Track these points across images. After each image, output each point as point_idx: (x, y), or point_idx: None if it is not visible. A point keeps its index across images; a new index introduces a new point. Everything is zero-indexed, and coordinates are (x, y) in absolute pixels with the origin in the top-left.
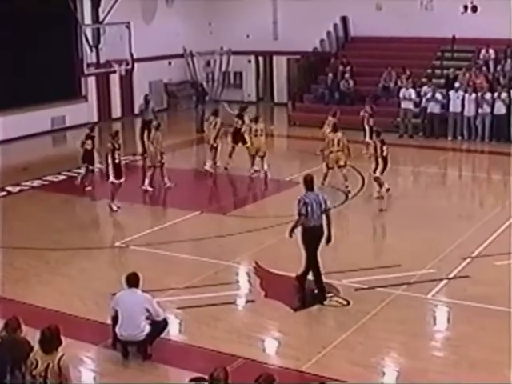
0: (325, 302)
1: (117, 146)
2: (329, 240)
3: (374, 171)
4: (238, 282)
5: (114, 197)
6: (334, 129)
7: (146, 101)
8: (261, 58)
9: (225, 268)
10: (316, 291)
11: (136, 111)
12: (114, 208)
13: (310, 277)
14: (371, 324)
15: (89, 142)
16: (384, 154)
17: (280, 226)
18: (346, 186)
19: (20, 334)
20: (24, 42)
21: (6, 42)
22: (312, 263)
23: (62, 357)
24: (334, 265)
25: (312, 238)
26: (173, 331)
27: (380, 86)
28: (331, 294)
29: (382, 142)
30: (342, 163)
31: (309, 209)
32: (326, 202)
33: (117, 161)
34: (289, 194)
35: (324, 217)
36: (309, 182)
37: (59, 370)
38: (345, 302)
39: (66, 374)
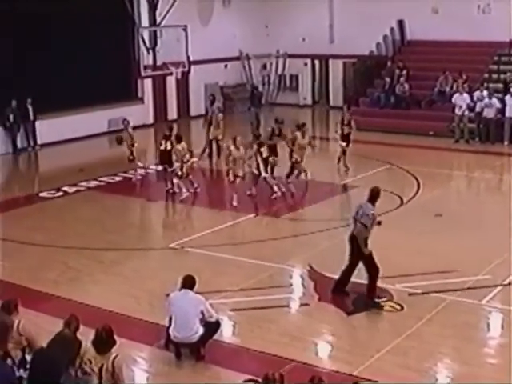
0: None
1: (168, 133)
2: None
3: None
4: (291, 285)
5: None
6: (178, 140)
7: (212, 101)
8: (317, 62)
9: (279, 271)
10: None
11: (192, 113)
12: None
13: (364, 280)
14: (425, 329)
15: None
16: (263, 155)
17: (334, 229)
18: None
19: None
20: (82, 43)
21: (65, 43)
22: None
23: (115, 357)
24: (388, 269)
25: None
26: (226, 333)
27: (436, 90)
28: (385, 299)
29: (259, 145)
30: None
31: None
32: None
33: (162, 147)
34: (343, 198)
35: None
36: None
37: (113, 370)
38: (398, 307)
39: (120, 375)
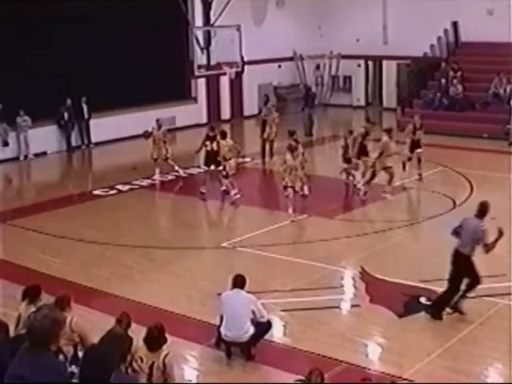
0: (430, 310)
1: (211, 134)
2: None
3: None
4: (343, 286)
5: (204, 182)
6: (223, 136)
7: (265, 101)
8: (370, 63)
9: (330, 272)
10: (430, 303)
11: (245, 113)
12: (203, 190)
13: (416, 283)
14: (476, 333)
15: (207, 142)
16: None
17: (389, 231)
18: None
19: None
20: (136, 43)
21: (119, 43)
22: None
23: (166, 355)
24: (441, 273)
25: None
26: (276, 333)
27: (490, 92)
28: None
29: (297, 141)
30: (234, 172)
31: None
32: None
33: (208, 148)
34: (398, 199)
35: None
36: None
37: (164, 367)
38: (451, 311)
39: (170, 373)
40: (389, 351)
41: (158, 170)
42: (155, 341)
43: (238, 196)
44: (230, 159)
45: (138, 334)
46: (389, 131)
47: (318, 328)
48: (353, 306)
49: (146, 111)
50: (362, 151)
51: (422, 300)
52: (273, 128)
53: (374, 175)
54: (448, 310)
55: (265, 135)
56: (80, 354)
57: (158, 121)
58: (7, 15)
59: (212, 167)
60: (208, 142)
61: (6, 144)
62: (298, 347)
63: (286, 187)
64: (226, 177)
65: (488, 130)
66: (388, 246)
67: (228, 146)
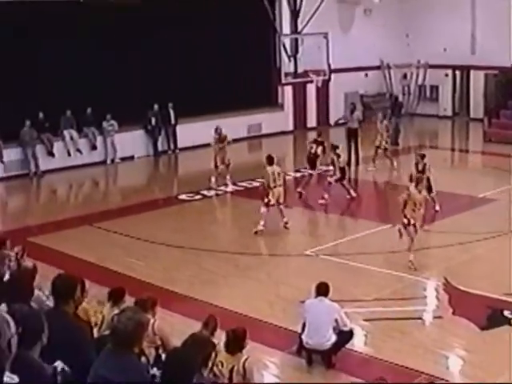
0: None
1: (319, 139)
2: None
3: (331, 177)
4: (425, 297)
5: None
6: (270, 161)
7: (352, 109)
8: (458, 72)
9: (413, 282)
10: None
11: (331, 121)
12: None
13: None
14: None
15: (313, 145)
16: (341, 165)
17: (472, 243)
18: (286, 223)
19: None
20: (224, 49)
21: (206, 49)
22: None
23: (246, 360)
24: None
25: None
26: (358, 342)
27: None
28: None
29: (338, 155)
30: (281, 200)
31: None
32: None
33: (312, 151)
34: (482, 211)
35: None
36: None
37: (244, 372)
38: None
39: (250, 378)
40: (470, 364)
41: (228, 176)
42: (234, 344)
43: (262, 228)
44: (274, 187)
45: (218, 338)
46: None
47: (400, 338)
48: (435, 317)
49: (232, 117)
50: None
51: (506, 313)
52: (384, 135)
53: None
54: None
55: (376, 143)
56: (163, 356)
57: (216, 129)
58: (102, 22)
59: (308, 170)
60: (314, 145)
61: (94, 148)
62: (379, 357)
63: (407, 225)
64: (267, 205)
65: None
66: (472, 258)
67: (274, 174)
